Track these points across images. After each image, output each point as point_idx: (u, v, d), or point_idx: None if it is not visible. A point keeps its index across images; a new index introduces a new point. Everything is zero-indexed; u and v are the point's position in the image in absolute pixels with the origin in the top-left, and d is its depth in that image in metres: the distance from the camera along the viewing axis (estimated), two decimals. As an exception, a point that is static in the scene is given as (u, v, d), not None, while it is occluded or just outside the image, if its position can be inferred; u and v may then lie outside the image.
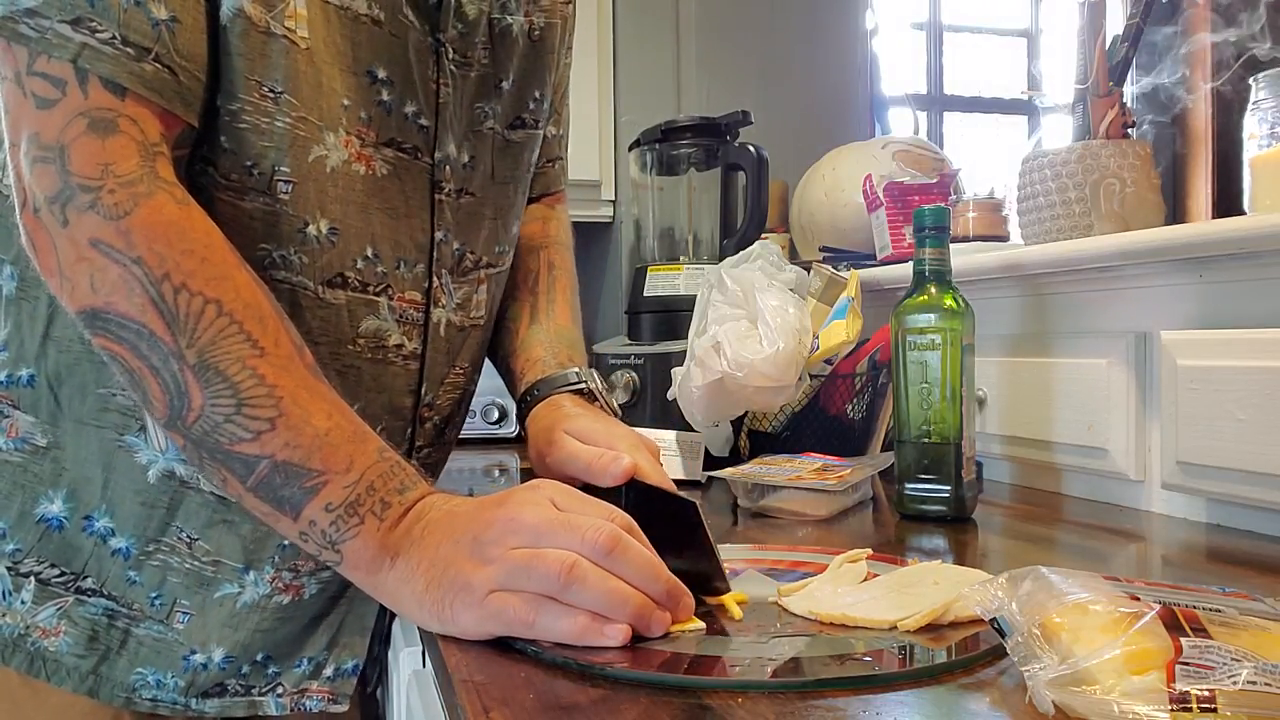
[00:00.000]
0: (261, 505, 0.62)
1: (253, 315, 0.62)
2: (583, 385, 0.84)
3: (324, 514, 0.60)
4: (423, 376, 0.81)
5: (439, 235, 0.80)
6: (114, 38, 0.61)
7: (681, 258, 1.64)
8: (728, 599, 0.62)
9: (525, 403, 0.85)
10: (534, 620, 0.55)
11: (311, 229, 0.72)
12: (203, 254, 0.62)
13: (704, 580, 0.63)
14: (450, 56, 0.79)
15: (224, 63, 0.67)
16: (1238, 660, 0.42)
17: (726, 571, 0.63)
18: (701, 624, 0.59)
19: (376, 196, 0.75)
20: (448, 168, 0.80)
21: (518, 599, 0.55)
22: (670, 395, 1.20)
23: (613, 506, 0.61)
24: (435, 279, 0.80)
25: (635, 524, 0.60)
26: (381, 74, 0.74)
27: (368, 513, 0.61)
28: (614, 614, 0.55)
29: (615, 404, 0.86)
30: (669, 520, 0.64)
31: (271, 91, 0.68)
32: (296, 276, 0.72)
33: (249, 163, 0.69)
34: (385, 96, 0.75)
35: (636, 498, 0.70)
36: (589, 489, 0.72)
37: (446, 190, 0.80)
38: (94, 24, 0.61)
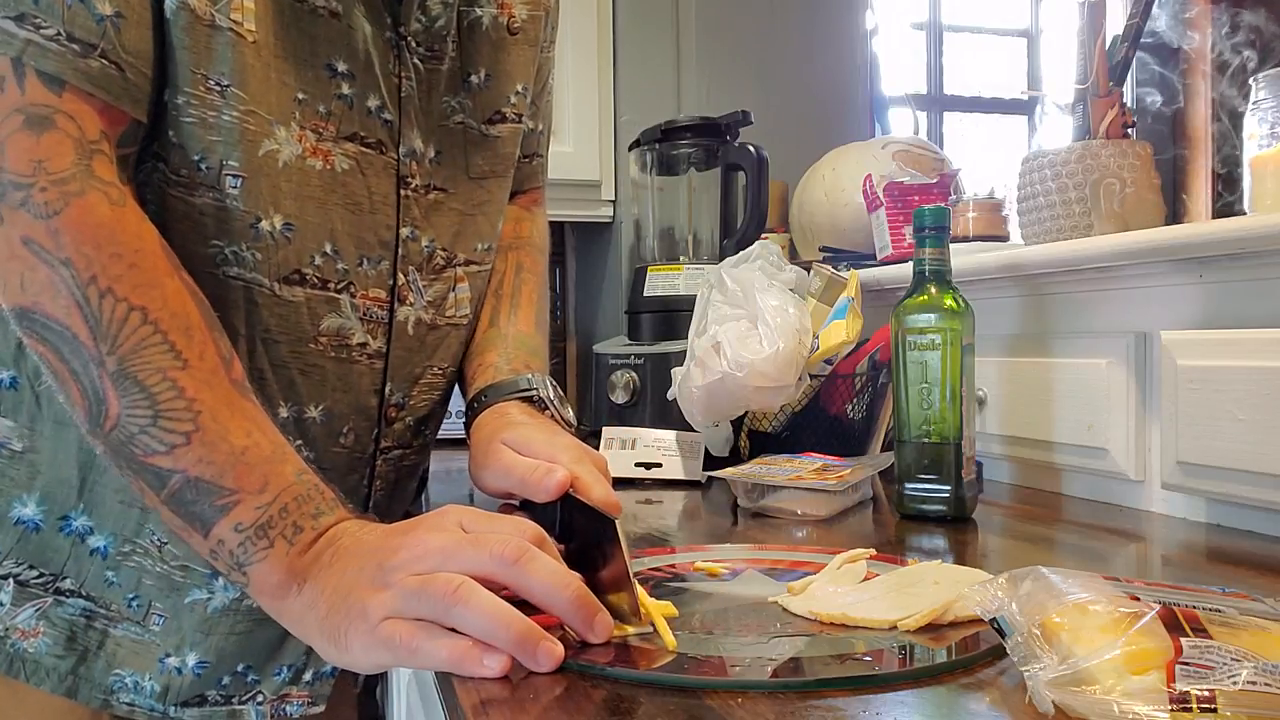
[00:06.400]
0: (175, 519, 0.61)
1: (179, 325, 0.61)
2: (533, 392, 0.79)
3: (233, 534, 0.59)
4: (387, 375, 0.79)
5: (405, 231, 0.78)
6: (59, 34, 0.60)
7: (681, 258, 1.65)
8: (659, 621, 0.57)
9: (471, 410, 0.80)
10: (416, 645, 0.53)
11: (265, 225, 0.70)
12: (132, 259, 0.61)
13: (619, 607, 0.58)
14: (413, 49, 0.78)
15: (169, 56, 0.66)
16: (1238, 660, 0.42)
17: (644, 604, 0.58)
18: (673, 610, 0.59)
19: (337, 192, 0.74)
20: (413, 162, 0.79)
21: (406, 626, 0.53)
22: (670, 395, 1.20)
23: (523, 521, 0.59)
24: (401, 276, 0.79)
25: (546, 536, 0.58)
26: (341, 67, 0.73)
27: (278, 536, 0.59)
28: (495, 638, 0.52)
29: (569, 415, 0.80)
30: (596, 539, 0.62)
31: (218, 85, 0.67)
32: (250, 273, 0.71)
33: (197, 157, 0.68)
34: (346, 90, 0.74)
35: (570, 515, 0.66)
36: (528, 505, 0.70)
37: (413, 185, 0.79)
38: (38, 20, 0.60)
